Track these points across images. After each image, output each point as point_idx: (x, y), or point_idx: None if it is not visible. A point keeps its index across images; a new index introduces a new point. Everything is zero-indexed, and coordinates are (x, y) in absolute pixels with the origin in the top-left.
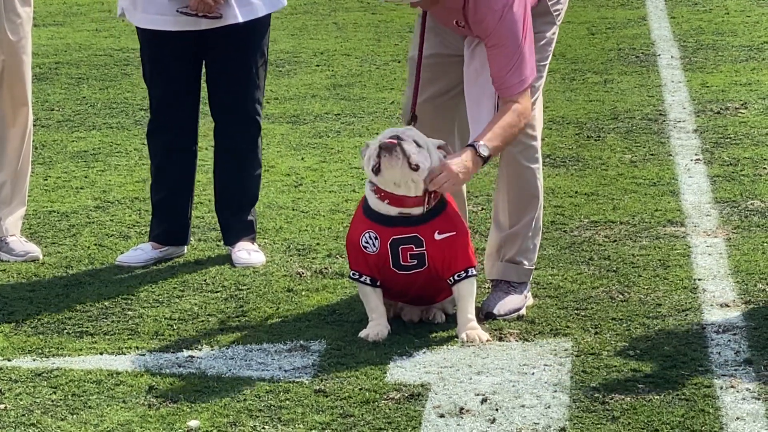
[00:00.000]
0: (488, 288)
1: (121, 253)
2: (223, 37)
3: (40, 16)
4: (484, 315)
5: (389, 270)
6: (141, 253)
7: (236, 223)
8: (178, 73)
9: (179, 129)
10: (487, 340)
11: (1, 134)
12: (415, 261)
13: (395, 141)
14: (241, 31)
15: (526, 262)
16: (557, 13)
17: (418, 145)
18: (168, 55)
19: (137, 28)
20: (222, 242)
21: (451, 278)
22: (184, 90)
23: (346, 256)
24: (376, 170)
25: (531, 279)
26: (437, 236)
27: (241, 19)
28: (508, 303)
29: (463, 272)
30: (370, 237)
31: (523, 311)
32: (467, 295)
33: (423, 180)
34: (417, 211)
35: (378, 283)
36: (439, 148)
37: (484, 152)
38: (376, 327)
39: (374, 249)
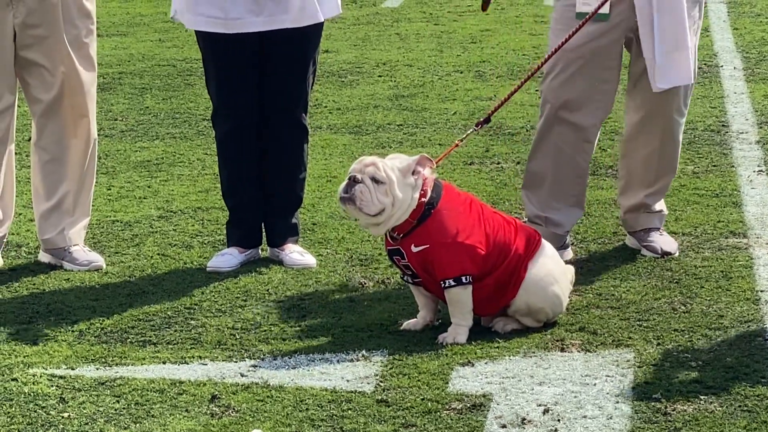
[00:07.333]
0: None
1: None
2: (280, 43)
3: (103, 27)
4: (663, 253)
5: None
6: (230, 257)
7: (282, 225)
8: (239, 75)
9: (250, 133)
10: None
11: (63, 145)
12: (410, 272)
13: (347, 195)
14: (298, 37)
15: (665, 211)
16: None
17: (377, 182)
18: (230, 56)
19: (195, 31)
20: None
21: (441, 284)
22: (249, 94)
23: None
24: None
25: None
26: (414, 249)
27: (301, 24)
28: (671, 242)
29: (442, 282)
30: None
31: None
32: (449, 302)
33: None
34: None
35: (416, 280)
36: (417, 167)
37: None
38: (414, 319)
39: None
